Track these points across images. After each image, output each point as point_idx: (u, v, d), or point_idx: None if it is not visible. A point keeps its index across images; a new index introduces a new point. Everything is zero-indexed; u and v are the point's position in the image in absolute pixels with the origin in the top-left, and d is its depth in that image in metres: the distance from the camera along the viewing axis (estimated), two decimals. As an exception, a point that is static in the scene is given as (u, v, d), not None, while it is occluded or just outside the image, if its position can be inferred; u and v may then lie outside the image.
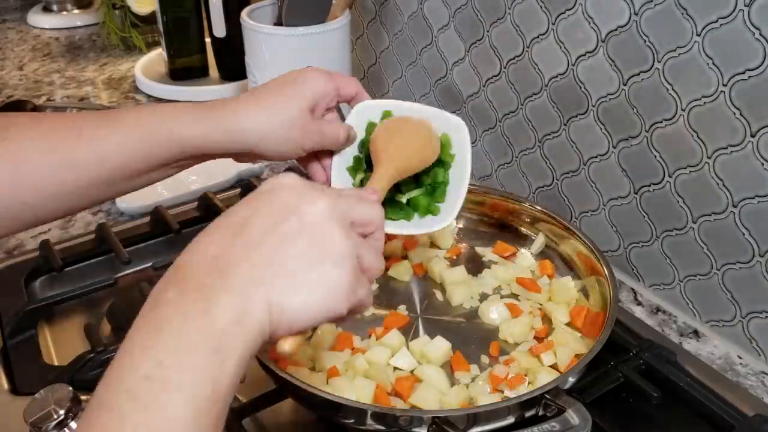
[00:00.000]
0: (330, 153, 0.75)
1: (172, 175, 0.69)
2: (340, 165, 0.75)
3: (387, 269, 0.88)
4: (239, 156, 0.71)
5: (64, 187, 0.63)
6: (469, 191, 0.93)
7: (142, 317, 0.45)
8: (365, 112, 0.76)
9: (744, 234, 0.78)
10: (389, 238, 0.92)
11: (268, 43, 1.18)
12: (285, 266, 0.46)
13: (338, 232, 0.49)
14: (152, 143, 0.65)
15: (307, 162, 0.75)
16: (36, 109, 1.32)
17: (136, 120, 0.66)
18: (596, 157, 0.92)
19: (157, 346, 0.42)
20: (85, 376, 0.77)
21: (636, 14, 0.81)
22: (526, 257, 0.89)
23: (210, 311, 0.44)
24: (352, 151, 0.75)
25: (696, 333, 0.86)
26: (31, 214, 0.63)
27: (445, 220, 0.74)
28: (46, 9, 1.90)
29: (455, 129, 0.76)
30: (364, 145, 0.75)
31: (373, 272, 0.53)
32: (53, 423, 0.64)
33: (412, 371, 0.74)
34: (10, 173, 0.61)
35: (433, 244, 0.93)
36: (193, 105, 0.68)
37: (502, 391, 0.72)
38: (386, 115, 0.76)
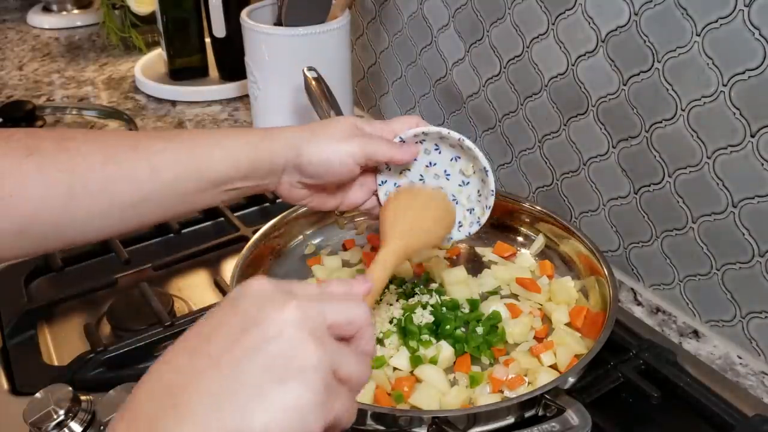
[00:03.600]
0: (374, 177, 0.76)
1: (223, 203, 0.68)
2: (386, 190, 0.76)
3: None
4: (271, 185, 0.70)
5: (116, 200, 0.62)
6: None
7: None
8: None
9: (744, 234, 0.78)
10: None
11: (268, 43, 1.17)
12: (244, 386, 0.41)
13: (306, 343, 0.42)
14: (205, 159, 0.65)
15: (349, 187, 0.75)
16: (35, 109, 1.32)
17: (192, 136, 0.67)
18: (596, 157, 0.92)
19: None
20: (85, 376, 0.77)
21: (636, 14, 0.81)
22: (525, 257, 0.89)
23: None
24: (394, 178, 0.76)
25: (696, 333, 0.86)
26: (77, 231, 0.62)
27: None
28: (46, 9, 1.90)
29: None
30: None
31: (355, 381, 0.46)
32: (53, 423, 0.65)
33: (411, 371, 0.74)
34: (68, 182, 0.60)
35: (433, 244, 0.93)
36: (248, 129, 0.70)
37: (502, 392, 0.72)
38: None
